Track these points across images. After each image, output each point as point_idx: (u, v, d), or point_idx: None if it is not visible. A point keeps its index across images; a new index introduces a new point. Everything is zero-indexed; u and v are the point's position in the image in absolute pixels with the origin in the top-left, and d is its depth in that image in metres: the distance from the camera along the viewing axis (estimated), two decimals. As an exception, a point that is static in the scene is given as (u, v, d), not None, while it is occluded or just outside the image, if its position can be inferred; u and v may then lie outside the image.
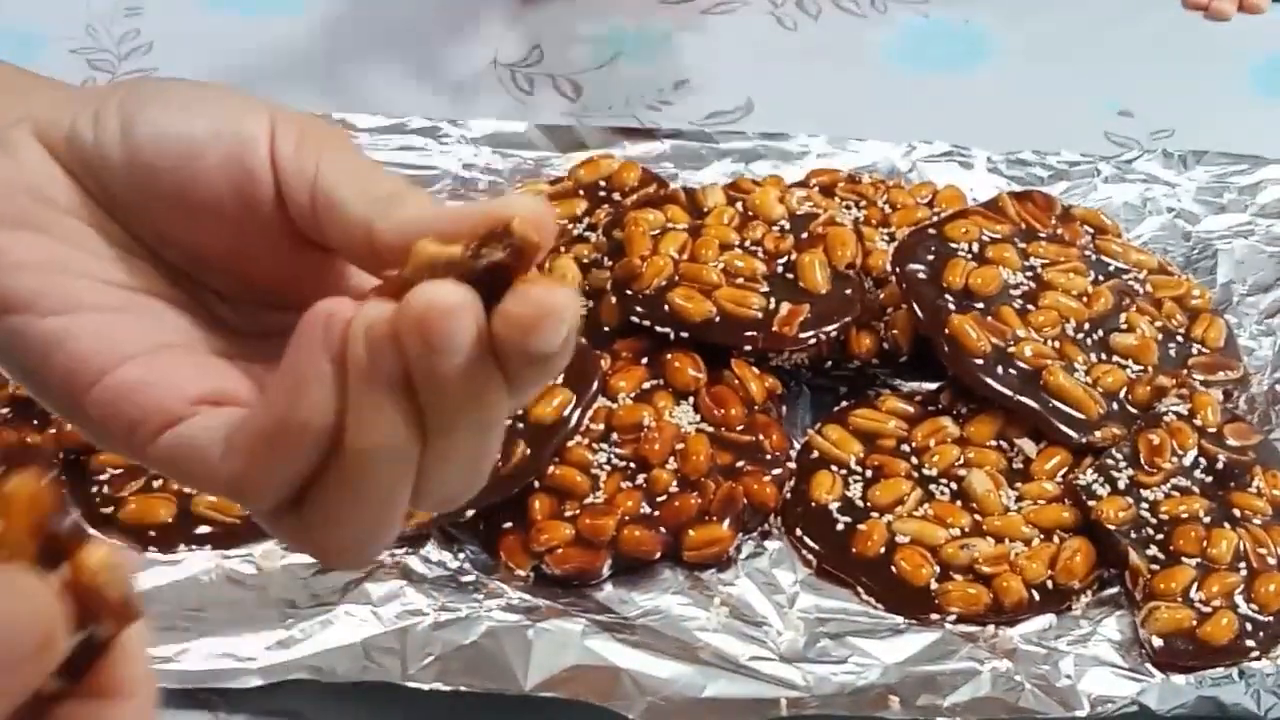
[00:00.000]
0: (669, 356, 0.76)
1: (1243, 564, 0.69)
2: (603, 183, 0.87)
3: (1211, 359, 0.79)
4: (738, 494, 0.72)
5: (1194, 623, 0.67)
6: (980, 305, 0.77)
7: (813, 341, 0.77)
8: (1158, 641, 0.67)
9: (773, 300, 0.77)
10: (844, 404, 0.79)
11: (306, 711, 0.66)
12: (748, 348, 0.77)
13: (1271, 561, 0.69)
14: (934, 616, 0.69)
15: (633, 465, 0.73)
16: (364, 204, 0.39)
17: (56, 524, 0.32)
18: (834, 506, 0.73)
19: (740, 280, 0.78)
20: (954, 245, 0.79)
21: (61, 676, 0.33)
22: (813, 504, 0.73)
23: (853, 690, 0.66)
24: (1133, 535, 0.70)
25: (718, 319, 0.76)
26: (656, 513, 0.71)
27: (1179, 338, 0.80)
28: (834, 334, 0.77)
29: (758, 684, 0.66)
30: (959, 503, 0.73)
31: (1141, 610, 0.68)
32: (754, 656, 0.67)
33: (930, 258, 0.79)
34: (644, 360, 0.77)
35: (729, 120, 0.99)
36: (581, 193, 0.86)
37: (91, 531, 0.71)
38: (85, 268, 0.41)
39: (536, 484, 0.72)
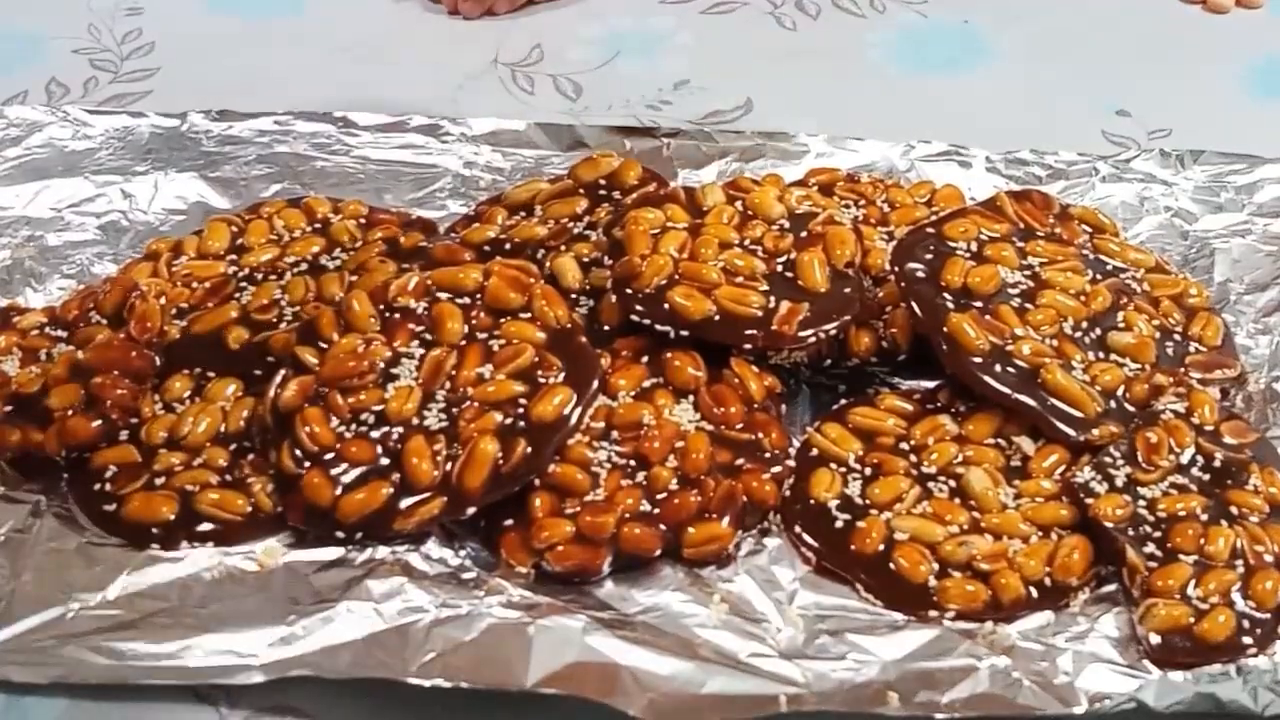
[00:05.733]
0: (669, 355, 0.76)
1: (1240, 561, 0.69)
2: (603, 181, 0.87)
3: (1209, 357, 0.79)
4: (737, 492, 0.72)
5: (1191, 620, 0.67)
6: (979, 304, 0.77)
7: (812, 340, 0.77)
8: (1155, 638, 0.67)
9: (772, 299, 0.77)
10: (843, 402, 0.79)
11: (308, 708, 0.67)
12: (747, 346, 0.77)
13: (1268, 559, 0.69)
14: (932, 613, 0.69)
15: (633, 463, 0.73)
16: None
17: None
18: (833, 504, 0.73)
19: (740, 279, 0.78)
20: (952, 244, 0.80)
21: None
22: (812, 501, 0.74)
23: (851, 687, 0.66)
24: (1130, 532, 0.70)
25: (717, 317, 0.77)
26: (656, 510, 0.72)
27: (1176, 336, 0.80)
28: (833, 332, 0.77)
29: (757, 680, 0.66)
30: (957, 500, 0.73)
31: (1139, 607, 0.68)
32: (753, 653, 0.67)
33: (929, 257, 0.79)
34: (644, 359, 0.77)
35: (728, 119, 1.00)
36: (581, 191, 0.86)
37: (96, 529, 0.73)
38: None
39: (537, 482, 0.72)
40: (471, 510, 0.71)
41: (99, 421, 0.74)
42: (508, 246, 0.83)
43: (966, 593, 0.69)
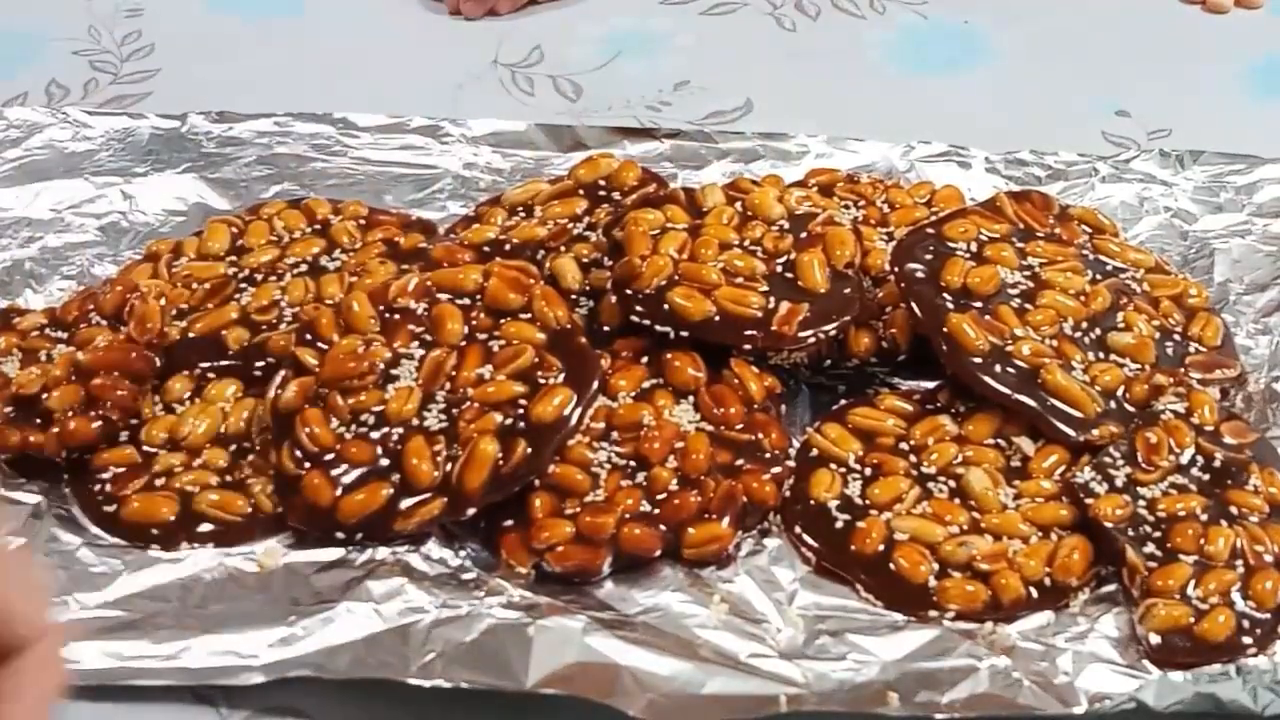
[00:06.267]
0: (669, 356, 0.77)
1: (1239, 561, 0.69)
2: (602, 182, 0.87)
3: (1208, 358, 0.79)
4: (737, 492, 0.72)
5: (1191, 620, 0.67)
6: (978, 304, 0.77)
7: (812, 340, 0.77)
8: (1155, 638, 0.67)
9: (772, 299, 0.77)
10: (843, 402, 0.79)
11: (308, 708, 0.67)
12: (747, 347, 0.77)
13: (1268, 559, 0.69)
14: (932, 614, 0.69)
15: (633, 463, 0.73)
16: None
17: None
18: (833, 504, 0.73)
19: (740, 280, 0.78)
20: (952, 245, 0.80)
21: None
22: (812, 502, 0.74)
23: (852, 687, 0.66)
24: (1130, 533, 0.70)
25: (717, 318, 0.77)
26: (656, 511, 0.72)
27: (1176, 336, 0.80)
28: (833, 333, 0.77)
29: (757, 681, 0.66)
30: (957, 500, 0.73)
31: (1139, 607, 0.68)
32: (753, 653, 0.67)
33: (929, 257, 0.79)
34: (644, 359, 0.77)
35: (728, 120, 1.00)
36: (581, 192, 0.87)
37: (96, 530, 0.73)
38: None
39: (537, 482, 0.72)
40: (471, 511, 0.71)
41: (99, 422, 0.74)
42: (507, 247, 0.83)
43: (966, 593, 0.69)
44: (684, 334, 0.76)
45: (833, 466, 0.75)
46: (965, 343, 0.75)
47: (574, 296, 0.80)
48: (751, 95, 1.01)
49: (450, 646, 0.67)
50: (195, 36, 1.08)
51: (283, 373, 0.75)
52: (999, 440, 0.75)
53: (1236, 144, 0.94)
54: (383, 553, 0.71)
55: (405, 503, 0.71)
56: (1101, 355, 0.78)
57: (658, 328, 0.77)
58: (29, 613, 0.51)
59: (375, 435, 0.73)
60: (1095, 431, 0.74)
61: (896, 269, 0.79)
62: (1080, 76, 1.04)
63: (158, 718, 0.66)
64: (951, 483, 0.74)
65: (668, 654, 0.67)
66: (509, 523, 0.71)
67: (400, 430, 0.73)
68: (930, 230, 0.81)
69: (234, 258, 0.85)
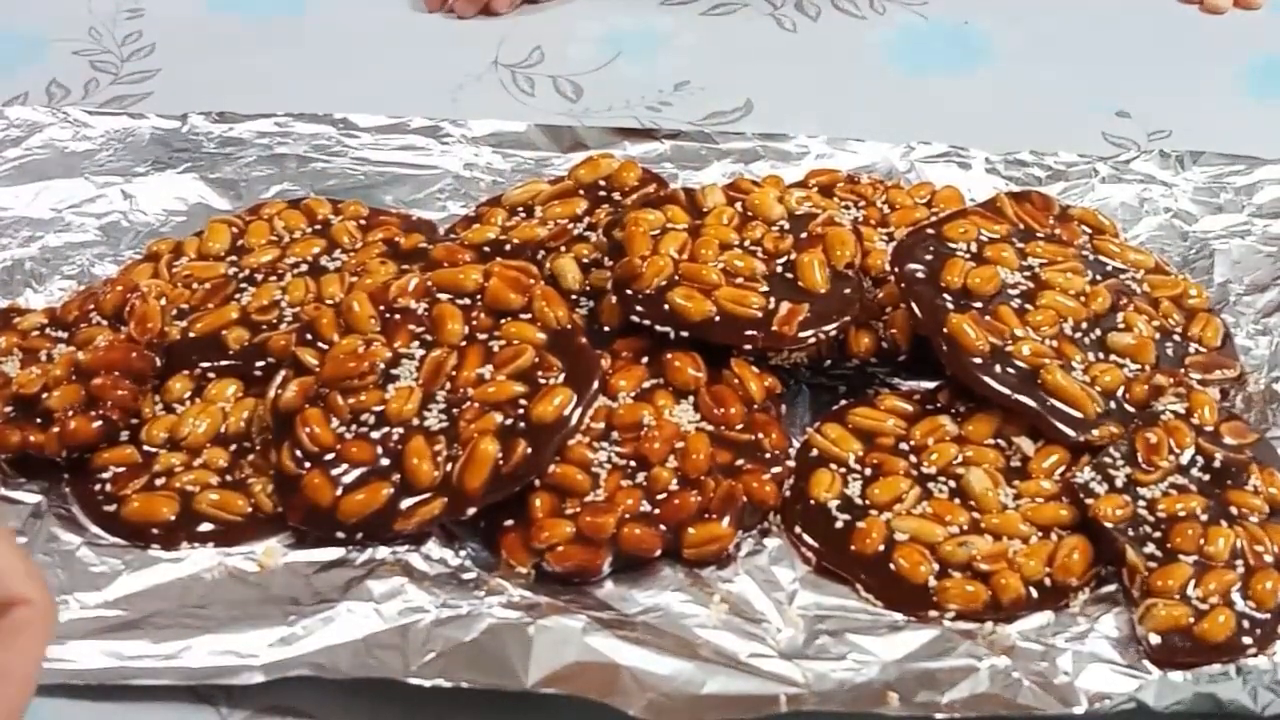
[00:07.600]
0: (669, 356, 0.77)
1: (1239, 561, 0.69)
2: (603, 182, 0.87)
3: (1208, 358, 0.79)
4: (737, 492, 0.72)
5: (1191, 620, 0.67)
6: (978, 305, 0.77)
7: (812, 341, 0.77)
8: (1155, 638, 0.67)
9: (772, 300, 0.77)
10: (843, 403, 0.79)
11: (308, 708, 0.67)
12: (747, 347, 0.77)
13: (1268, 559, 0.70)
14: (932, 614, 0.69)
15: (633, 463, 0.73)
16: None
17: None
18: (833, 504, 0.73)
19: (740, 280, 0.78)
20: (952, 245, 0.80)
21: None
22: (812, 502, 0.74)
23: (851, 687, 0.66)
24: (1130, 533, 0.70)
25: (718, 318, 0.77)
26: (657, 511, 0.72)
27: (1176, 337, 0.80)
28: (833, 333, 0.77)
29: (757, 680, 0.66)
30: (957, 501, 0.73)
31: (1139, 607, 0.68)
32: (753, 653, 0.67)
33: (929, 257, 0.79)
34: (644, 359, 0.77)
35: (728, 120, 1.00)
36: (581, 192, 0.87)
37: (96, 530, 0.73)
38: None
39: (537, 482, 0.72)
40: (472, 511, 0.71)
41: (99, 422, 0.74)
42: (508, 247, 0.83)
43: (966, 593, 0.69)
44: (684, 334, 0.77)
45: (833, 466, 0.75)
46: (965, 343, 0.75)
47: (574, 296, 0.80)
48: (751, 95, 1.01)
49: (450, 646, 0.67)
50: (195, 36, 1.08)
51: (283, 372, 0.75)
52: (999, 440, 0.75)
53: (1236, 144, 0.94)
54: (383, 552, 0.71)
55: (405, 502, 0.71)
56: (1101, 356, 0.78)
57: (658, 328, 0.77)
58: (23, 570, 0.51)
59: (375, 435, 0.73)
60: (1095, 432, 0.74)
61: (896, 269, 0.79)
62: (1080, 77, 1.04)
63: (158, 718, 0.67)
64: (951, 483, 0.74)
65: (668, 654, 0.67)
66: (509, 522, 0.71)
67: (400, 430, 0.73)
68: (930, 231, 0.81)
69: (234, 258, 0.85)
